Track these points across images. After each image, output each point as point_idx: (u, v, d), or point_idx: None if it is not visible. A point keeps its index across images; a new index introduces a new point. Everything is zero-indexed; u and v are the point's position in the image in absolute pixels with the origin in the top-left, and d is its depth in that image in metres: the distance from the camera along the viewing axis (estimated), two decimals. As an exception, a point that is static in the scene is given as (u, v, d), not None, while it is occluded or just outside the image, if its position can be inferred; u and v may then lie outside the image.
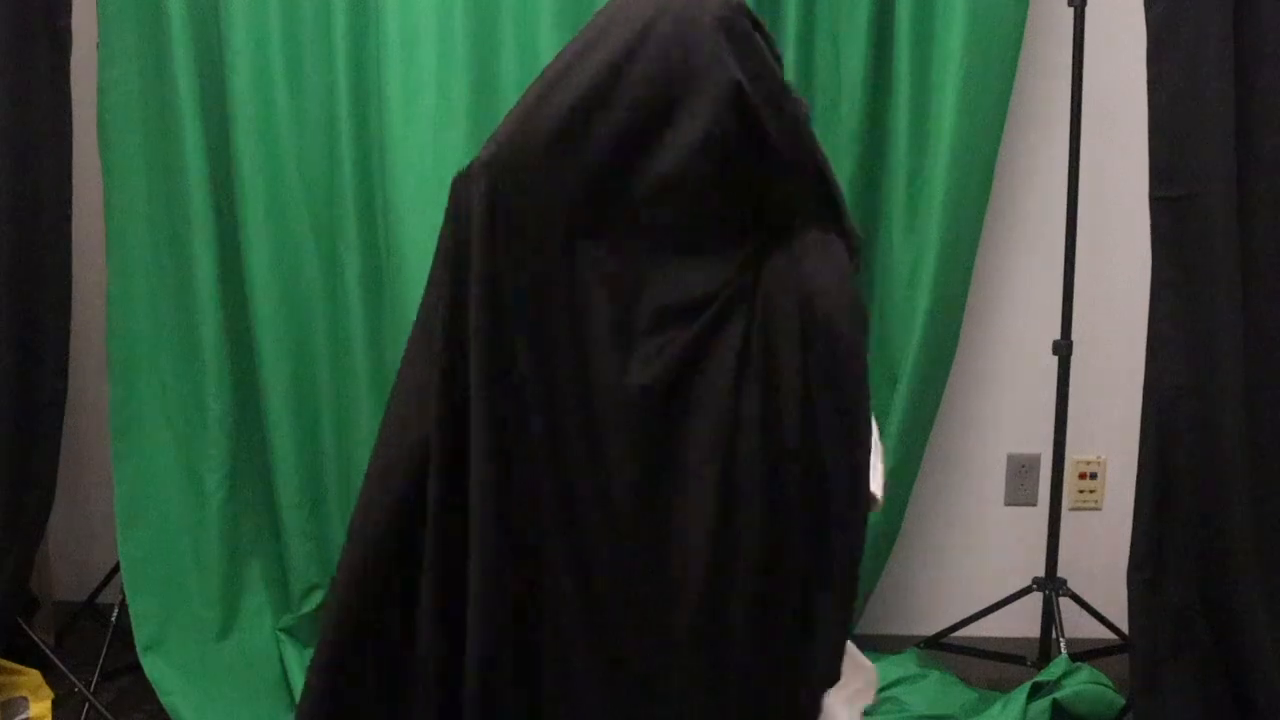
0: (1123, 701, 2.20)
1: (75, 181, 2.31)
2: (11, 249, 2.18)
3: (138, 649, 2.32)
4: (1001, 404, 2.68)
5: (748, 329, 1.25)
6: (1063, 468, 2.46)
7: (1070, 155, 2.35)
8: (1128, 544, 2.09)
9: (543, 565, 1.26)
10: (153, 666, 2.32)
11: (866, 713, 2.30)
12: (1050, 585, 2.47)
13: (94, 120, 2.28)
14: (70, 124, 2.28)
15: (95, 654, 2.41)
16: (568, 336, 1.24)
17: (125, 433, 2.37)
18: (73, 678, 2.27)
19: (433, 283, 1.36)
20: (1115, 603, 2.22)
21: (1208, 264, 1.96)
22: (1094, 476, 2.70)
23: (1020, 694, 2.23)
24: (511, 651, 1.27)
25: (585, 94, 1.24)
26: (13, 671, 2.32)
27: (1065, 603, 2.45)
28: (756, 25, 1.29)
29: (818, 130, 2.38)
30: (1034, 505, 2.67)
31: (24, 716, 2.26)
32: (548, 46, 2.25)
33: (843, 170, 2.39)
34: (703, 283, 1.26)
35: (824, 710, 1.32)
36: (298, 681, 2.40)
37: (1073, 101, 2.34)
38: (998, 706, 2.23)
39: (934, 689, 2.32)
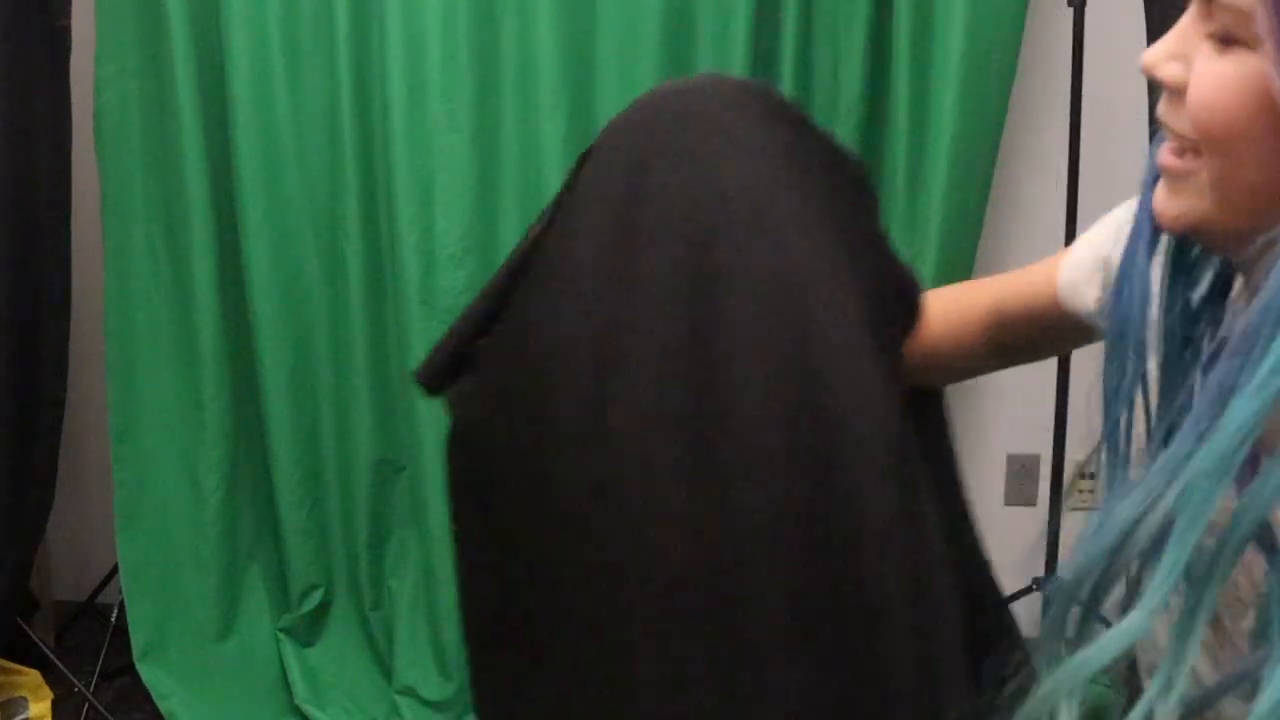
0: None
1: (74, 181, 2.31)
2: (10, 248, 2.18)
3: (134, 655, 2.33)
4: (1001, 404, 2.67)
5: None
6: (1063, 468, 2.46)
7: (1070, 155, 2.35)
8: (1127, 544, 2.09)
9: None
10: (150, 672, 2.32)
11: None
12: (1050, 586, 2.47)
13: (92, 119, 2.28)
14: (69, 123, 2.28)
15: (95, 654, 2.41)
16: None
17: (124, 434, 2.37)
18: (72, 678, 2.28)
19: None
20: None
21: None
22: (1094, 477, 2.68)
23: (1020, 694, 2.23)
24: None
25: None
26: (12, 671, 2.32)
27: (1065, 603, 2.45)
28: None
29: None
30: (1034, 505, 2.67)
31: (24, 716, 2.27)
32: (548, 52, 2.26)
33: (842, 170, 2.39)
34: None
35: None
36: (297, 682, 2.40)
37: (1072, 101, 2.34)
38: (997, 707, 2.23)
39: (933, 689, 2.32)
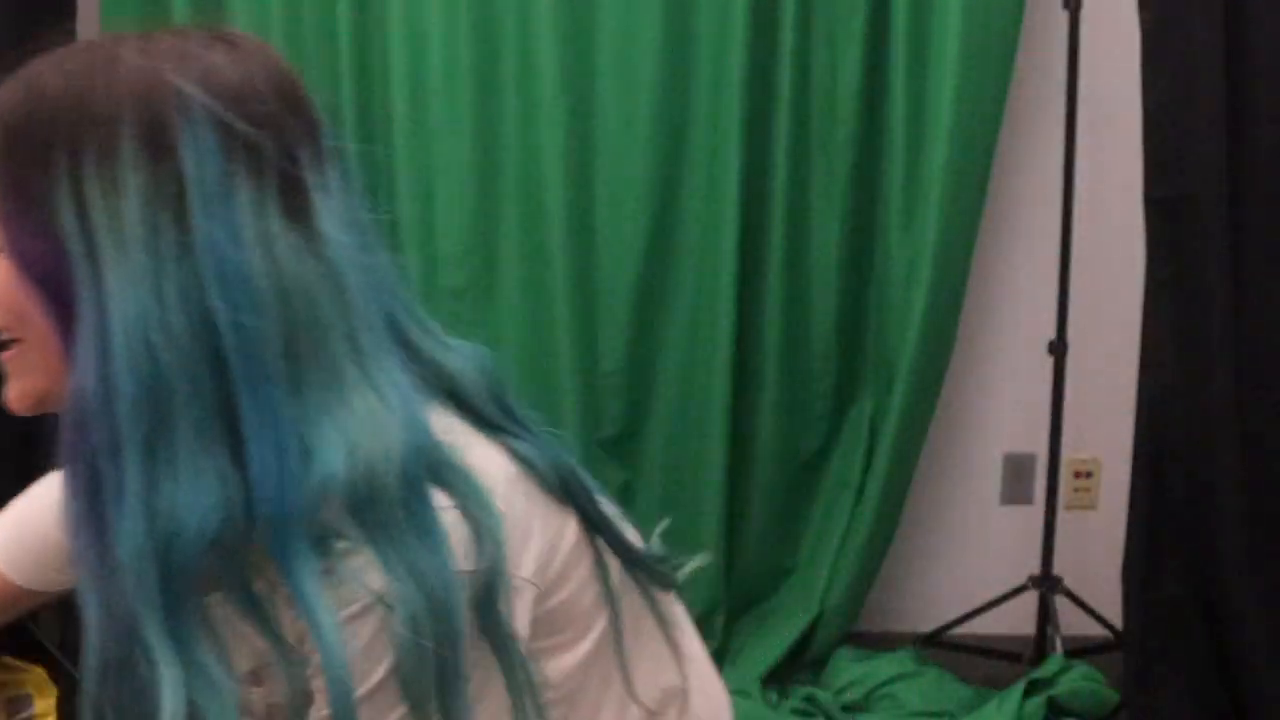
0: (1117, 698, 2.21)
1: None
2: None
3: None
4: (997, 403, 2.69)
5: None
6: (1058, 467, 2.47)
7: (1065, 156, 2.37)
8: (1123, 542, 2.11)
9: None
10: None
11: (866, 709, 2.32)
12: (1046, 583, 2.48)
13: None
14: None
15: (98, 651, 2.42)
16: None
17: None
18: (77, 674, 2.29)
19: None
20: (1110, 601, 2.24)
21: (1201, 264, 1.98)
22: (1089, 475, 2.71)
23: (1015, 691, 2.24)
24: None
25: None
26: (17, 668, 2.34)
27: (1060, 601, 2.46)
28: None
29: (815, 132, 2.42)
30: (1030, 504, 2.69)
31: (28, 713, 2.28)
32: (548, 53, 2.27)
33: (839, 171, 2.41)
34: None
35: None
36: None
37: (1068, 103, 2.36)
38: (993, 704, 2.24)
39: (930, 686, 2.34)
